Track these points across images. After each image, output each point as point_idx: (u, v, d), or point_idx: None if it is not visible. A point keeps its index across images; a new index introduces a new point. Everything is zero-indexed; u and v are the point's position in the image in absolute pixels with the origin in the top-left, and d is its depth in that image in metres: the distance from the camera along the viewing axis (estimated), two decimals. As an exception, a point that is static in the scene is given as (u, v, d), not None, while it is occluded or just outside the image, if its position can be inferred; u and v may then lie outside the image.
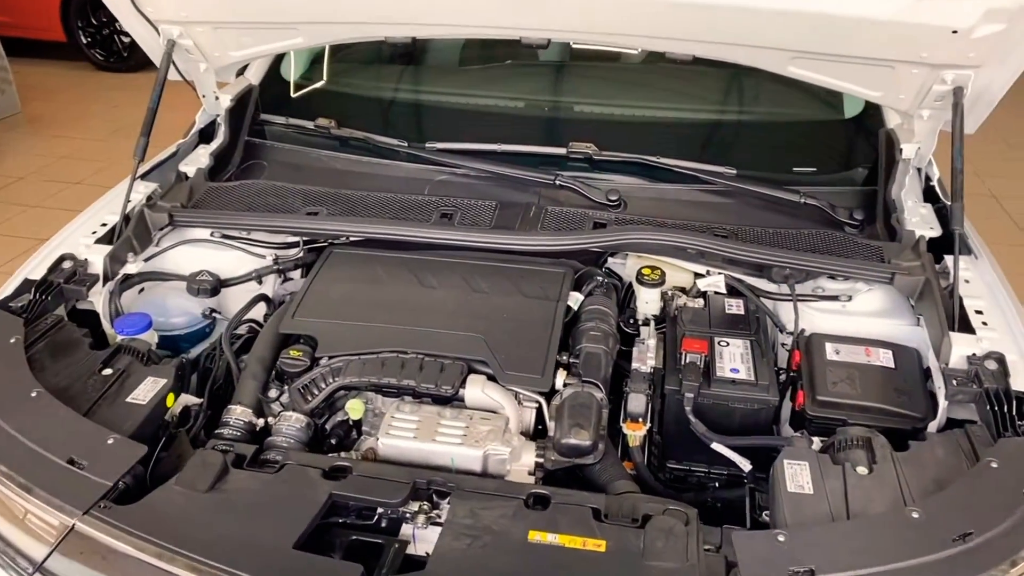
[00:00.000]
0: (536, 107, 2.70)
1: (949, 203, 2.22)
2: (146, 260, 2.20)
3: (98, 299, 2.05)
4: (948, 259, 2.04)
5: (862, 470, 1.54)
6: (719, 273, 2.16)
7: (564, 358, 1.88)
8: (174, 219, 2.23)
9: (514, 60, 2.87)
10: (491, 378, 1.84)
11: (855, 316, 2.01)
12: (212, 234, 2.28)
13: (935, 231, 2.15)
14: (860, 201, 2.35)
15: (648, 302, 2.11)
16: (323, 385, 1.85)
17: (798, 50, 1.96)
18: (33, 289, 1.95)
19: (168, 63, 2.30)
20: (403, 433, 1.72)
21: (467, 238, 2.06)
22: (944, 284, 1.95)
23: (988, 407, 1.63)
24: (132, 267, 2.14)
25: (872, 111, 2.49)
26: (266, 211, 2.26)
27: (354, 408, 1.85)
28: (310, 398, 1.85)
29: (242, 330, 2.17)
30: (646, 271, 2.10)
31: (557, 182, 2.30)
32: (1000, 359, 1.72)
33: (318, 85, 2.89)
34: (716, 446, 1.82)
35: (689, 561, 1.36)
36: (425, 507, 1.55)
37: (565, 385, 1.82)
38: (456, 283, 2.06)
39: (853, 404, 1.80)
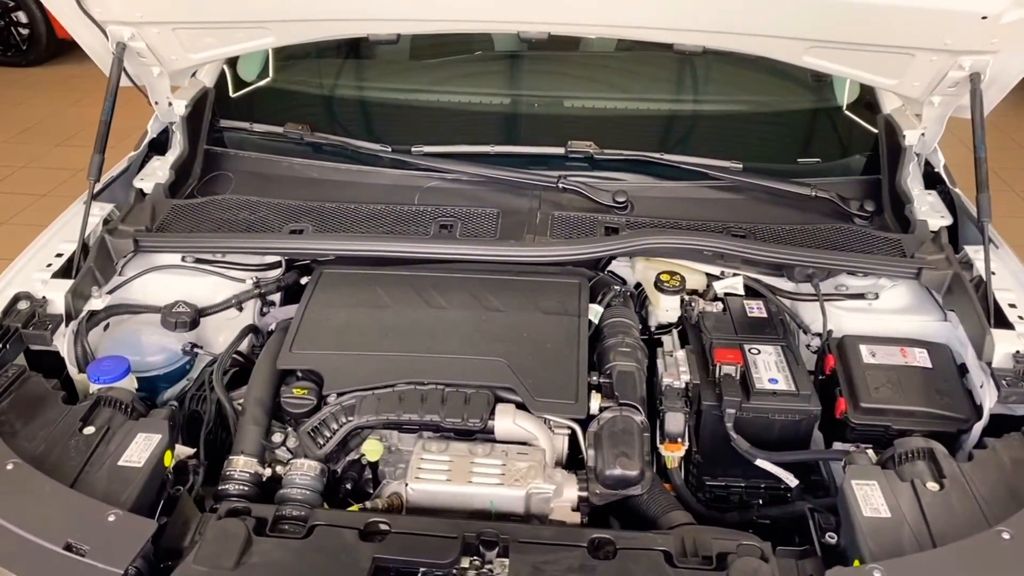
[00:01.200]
0: (522, 104, 2.54)
1: (954, 188, 2.19)
2: (110, 292, 1.97)
3: (62, 342, 1.81)
4: (967, 249, 2.00)
5: (933, 486, 1.47)
6: (735, 274, 2.07)
7: (595, 378, 1.76)
8: (140, 245, 2.00)
9: (482, 51, 2.69)
10: (520, 406, 1.70)
11: (882, 314, 1.95)
12: (183, 259, 2.05)
13: (947, 219, 2.10)
14: (863, 191, 2.29)
15: (668, 310, 1.99)
16: (335, 426, 1.68)
17: (816, 39, 1.86)
18: (-13, 338, 1.71)
19: (119, 69, 2.05)
20: (434, 476, 1.57)
21: (478, 252, 1.91)
22: (969, 276, 1.90)
23: (1045, 408, 1.59)
24: (97, 302, 1.91)
25: (868, 98, 2.43)
26: (242, 230, 2.05)
27: (372, 449, 1.68)
28: (322, 441, 1.67)
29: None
30: (665, 277, 1.99)
31: (560, 184, 2.16)
32: (1047, 356, 1.67)
33: (265, 84, 2.66)
34: (761, 463, 1.73)
35: (784, 607, 1.26)
36: (476, 563, 1.40)
37: (601, 409, 1.70)
38: (466, 301, 1.90)
39: (898, 410, 1.74)
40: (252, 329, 1.98)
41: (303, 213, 2.10)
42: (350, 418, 1.67)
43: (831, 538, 1.55)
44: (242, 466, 1.64)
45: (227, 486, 1.61)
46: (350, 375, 1.73)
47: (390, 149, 2.28)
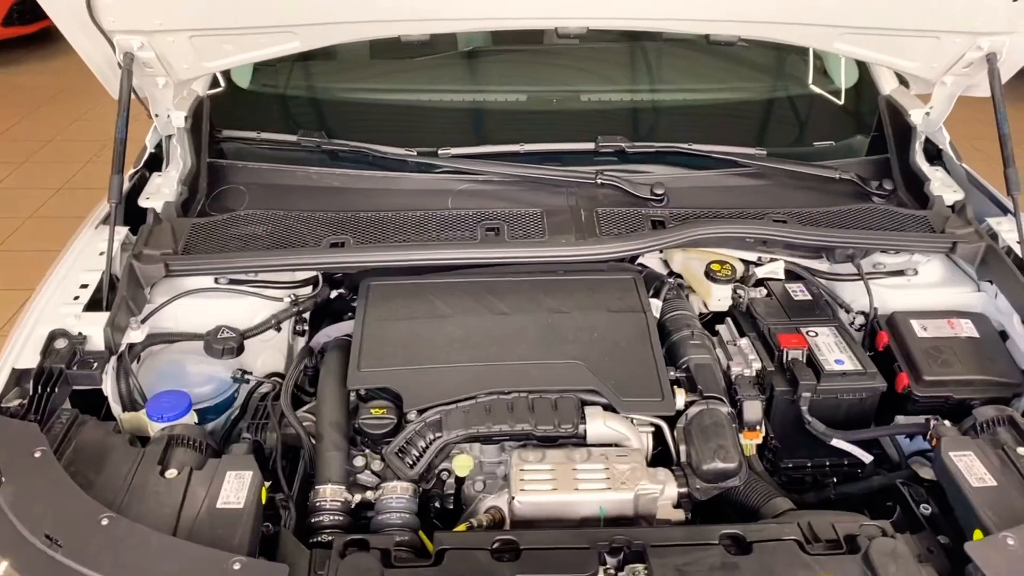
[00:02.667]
0: (540, 100, 2.50)
1: (961, 164, 2.29)
2: (142, 321, 1.83)
3: (104, 380, 1.68)
4: (989, 221, 2.09)
5: (1023, 451, 1.54)
6: (772, 259, 2.11)
7: (672, 373, 1.76)
8: (171, 269, 1.87)
9: (452, 50, 2.63)
10: (606, 407, 1.68)
11: (920, 289, 2.03)
12: (216, 280, 1.94)
13: (959, 194, 2.20)
14: (874, 171, 2.37)
15: (721, 299, 2.01)
16: (423, 444, 1.62)
17: (851, 26, 1.91)
18: (32, 382, 1.56)
19: (130, 81, 1.90)
20: (540, 487, 1.54)
21: (534, 254, 1.87)
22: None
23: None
24: (136, 334, 1.77)
25: (867, 79, 2.51)
26: (277, 246, 1.95)
27: (463, 465, 1.63)
28: (411, 461, 1.61)
29: (264, 387, 1.87)
30: (716, 267, 2.01)
31: (599, 180, 2.14)
32: (1091, 318, 1.78)
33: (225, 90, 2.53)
34: (837, 443, 1.78)
35: (932, 582, 1.30)
36: (611, 571, 1.38)
37: (687, 404, 1.70)
38: (526, 305, 1.87)
39: (957, 380, 1.81)
40: (310, 351, 1.89)
41: (338, 224, 2.01)
42: (438, 434, 1.62)
43: (925, 509, 1.61)
44: (331, 495, 1.56)
45: (320, 517, 1.53)
46: (428, 390, 1.67)
47: (415, 153, 2.20)
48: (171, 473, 1.46)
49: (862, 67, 2.52)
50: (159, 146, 2.27)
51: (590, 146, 2.23)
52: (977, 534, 1.40)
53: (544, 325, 1.82)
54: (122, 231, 1.95)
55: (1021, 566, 1.29)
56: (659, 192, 2.12)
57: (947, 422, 1.69)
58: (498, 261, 1.90)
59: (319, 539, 1.50)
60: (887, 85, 2.46)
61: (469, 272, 1.96)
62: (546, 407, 1.65)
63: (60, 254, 1.92)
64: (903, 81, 2.44)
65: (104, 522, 1.30)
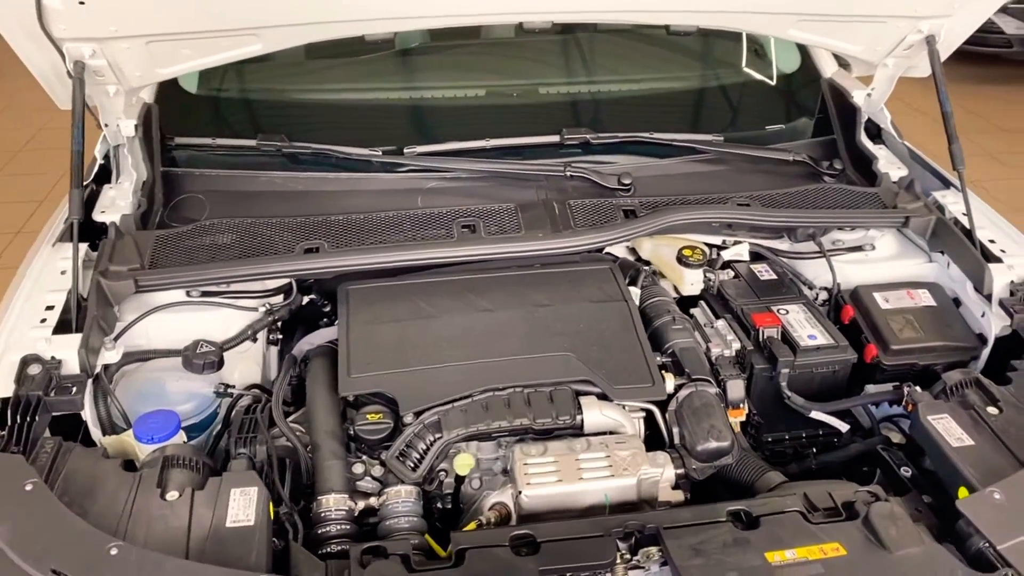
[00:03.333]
0: (498, 95, 2.50)
1: (902, 141, 2.41)
2: (115, 340, 1.76)
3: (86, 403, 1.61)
4: (934, 195, 2.21)
5: (992, 410, 1.64)
6: (736, 242, 2.18)
7: (659, 359, 1.80)
8: (141, 285, 1.80)
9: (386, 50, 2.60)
10: (600, 396, 1.71)
11: (878, 263, 2.13)
12: (188, 293, 1.88)
13: (903, 170, 2.31)
14: (822, 152, 2.46)
15: (693, 283, 2.06)
16: (423, 446, 1.62)
17: (806, 13, 1.98)
18: (10, 412, 1.49)
19: (83, 91, 1.81)
20: (545, 479, 1.55)
21: (515, 249, 1.88)
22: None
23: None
24: (111, 354, 1.71)
25: (809, 64, 2.60)
26: (248, 255, 1.90)
27: (464, 464, 1.63)
28: (412, 464, 1.60)
29: (243, 400, 1.83)
30: (687, 252, 2.06)
31: (568, 172, 2.16)
32: (1039, 282, 1.90)
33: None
34: (815, 414, 1.85)
35: (928, 541, 1.37)
36: (626, 556, 1.41)
37: (677, 388, 1.74)
38: (509, 300, 1.88)
39: (922, 347, 1.91)
40: (294, 359, 1.85)
41: (308, 229, 1.97)
42: (438, 435, 1.62)
43: (906, 472, 1.70)
44: (335, 504, 1.54)
45: (327, 528, 1.51)
46: (423, 392, 1.67)
47: (380, 152, 2.18)
48: (172, 495, 1.41)
49: (803, 52, 2.61)
50: (108, 157, 2.18)
51: (555, 139, 2.25)
52: (962, 492, 1.49)
53: (530, 319, 1.83)
54: (81, 247, 1.87)
55: (1008, 517, 1.38)
56: (627, 182, 2.16)
57: (918, 388, 1.78)
58: (480, 258, 1.90)
59: (328, 550, 1.48)
60: (828, 68, 2.56)
61: (446, 271, 1.95)
62: (543, 400, 1.66)
63: (18, 275, 1.83)
64: (842, 64, 2.55)
65: (113, 551, 1.26)
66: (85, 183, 2.08)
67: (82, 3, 1.64)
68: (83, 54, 1.80)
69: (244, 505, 1.40)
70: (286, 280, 1.96)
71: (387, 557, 1.36)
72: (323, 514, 1.53)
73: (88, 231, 1.96)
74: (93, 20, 1.70)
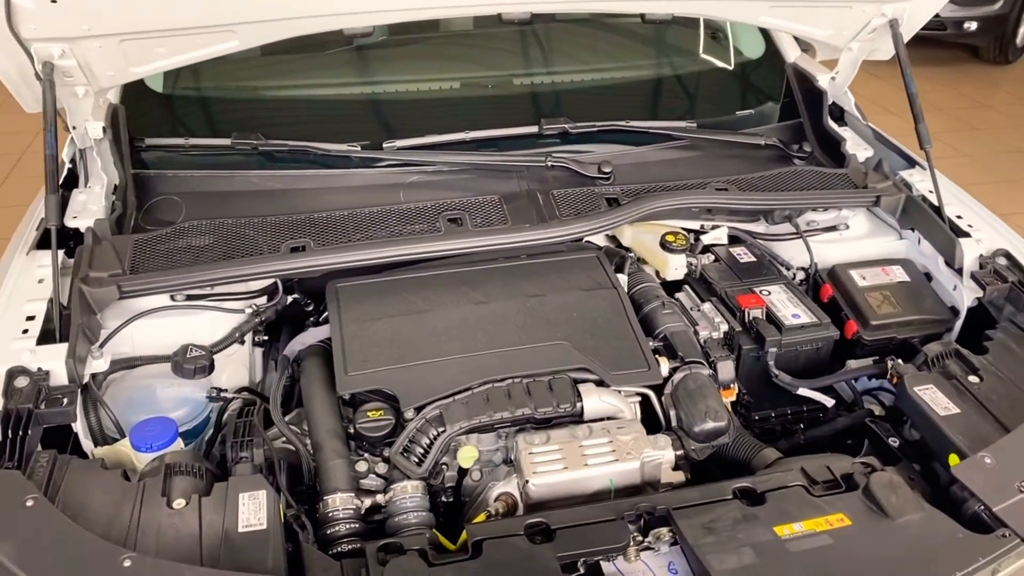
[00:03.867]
0: (472, 86, 2.49)
1: (866, 122, 2.48)
2: (100, 348, 1.72)
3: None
4: (903, 173, 2.28)
5: (973, 379, 1.71)
6: (715, 226, 2.22)
7: (652, 343, 1.82)
8: (124, 291, 1.75)
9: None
10: (597, 383, 1.73)
11: (852, 242, 2.19)
12: (173, 298, 1.84)
13: (869, 151, 2.38)
14: (790, 135, 2.52)
15: (677, 268, 2.09)
16: (427, 441, 1.61)
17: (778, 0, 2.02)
18: (0, 427, 1.44)
19: (53, 93, 1.76)
20: (551, 468, 1.57)
21: (504, 241, 1.88)
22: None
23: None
24: (99, 362, 1.66)
25: (773, 49, 2.66)
26: (232, 256, 1.86)
27: (468, 456, 1.64)
28: (416, 459, 1.60)
29: (235, 404, 1.80)
30: (670, 237, 2.08)
31: (549, 163, 2.17)
32: (1007, 254, 1.98)
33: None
34: (803, 391, 1.90)
35: (928, 507, 1.42)
36: (638, 538, 1.44)
37: (671, 371, 1.77)
38: (501, 292, 1.88)
39: (899, 321, 1.97)
40: (287, 361, 1.83)
41: (292, 228, 1.94)
42: (441, 429, 1.61)
43: (894, 441, 1.76)
44: (342, 503, 1.53)
45: (336, 528, 1.50)
46: (423, 387, 1.66)
47: (359, 148, 2.15)
48: (179, 503, 1.38)
49: (767, 38, 2.66)
50: (75, 160, 2.11)
51: (534, 129, 2.26)
52: (953, 458, 1.55)
53: (523, 310, 1.84)
54: (44, 255, 1.81)
55: (1000, 480, 1.44)
56: (607, 170, 2.18)
57: (900, 361, 1.84)
58: (469, 251, 1.90)
59: (339, 549, 1.47)
60: (791, 54, 2.61)
61: (433, 265, 1.95)
62: (542, 389, 1.67)
63: (-8, 285, 1.77)
64: (804, 49, 2.61)
65: (127, 563, 1.23)
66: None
67: (54, 1, 1.59)
68: (52, 55, 1.74)
69: (254, 509, 1.38)
70: (271, 280, 1.93)
71: (404, 553, 1.36)
72: (330, 514, 1.52)
73: (59, 237, 1.90)
74: (65, 19, 1.64)
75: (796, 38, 2.58)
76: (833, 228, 2.20)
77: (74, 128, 2.01)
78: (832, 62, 2.48)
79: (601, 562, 1.40)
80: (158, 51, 1.80)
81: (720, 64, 2.68)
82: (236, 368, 1.91)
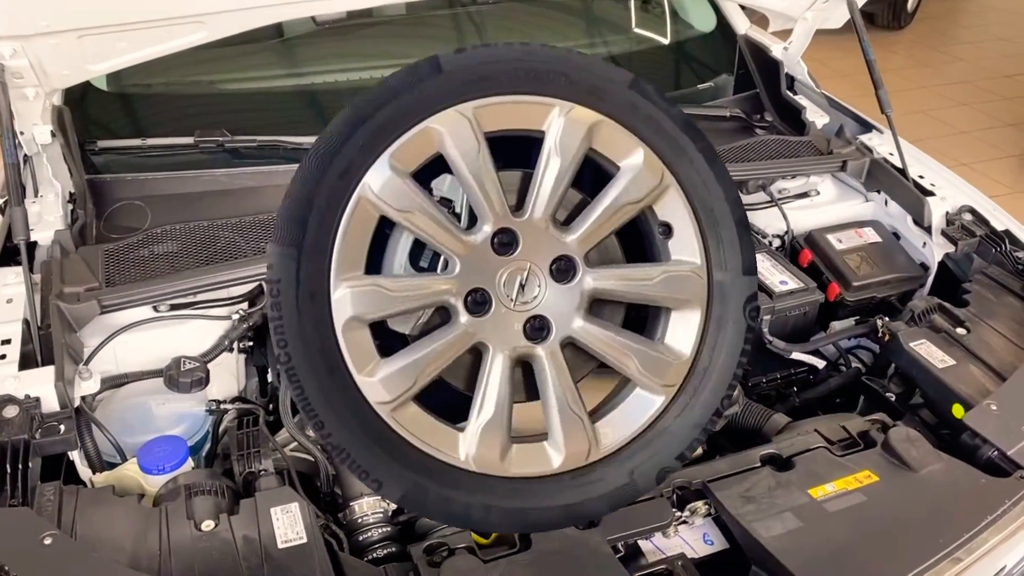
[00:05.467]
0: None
1: (820, 90, 2.55)
2: (86, 366, 1.60)
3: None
4: (862, 137, 2.35)
5: (961, 331, 1.79)
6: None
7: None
8: (105, 306, 1.64)
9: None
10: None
11: (823, 207, 2.25)
12: (156, 309, 1.73)
13: (825, 118, 2.45)
14: (748, 106, 2.56)
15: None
16: (447, 436, 1.57)
17: (742, -28, 2.04)
18: (-6, 461, 1.33)
19: (7, 96, 1.62)
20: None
21: None
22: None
23: (992, 249, 1.97)
24: (89, 383, 1.55)
25: (723, 22, 2.69)
26: (215, 260, 1.77)
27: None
28: (439, 456, 1.56)
29: (230, 416, 1.72)
30: (653, 213, 2.09)
31: None
32: (971, 210, 2.07)
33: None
34: (796, 355, 1.95)
35: (947, 457, 1.48)
36: (676, 513, 1.44)
37: (675, 347, 1.78)
38: None
39: (877, 281, 2.04)
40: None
41: (271, 227, 1.85)
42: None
43: (891, 396, 1.82)
44: (370, 508, 1.49)
45: (368, 534, 1.46)
46: None
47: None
48: (207, 525, 1.31)
49: (717, 11, 2.69)
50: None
51: None
52: (957, 408, 1.61)
53: None
54: (20, 271, 1.68)
55: (1009, 424, 1.51)
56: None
57: (887, 319, 1.91)
58: None
59: (374, 555, 1.42)
60: (742, 26, 2.66)
61: None
62: None
63: (-46, 310, 1.62)
64: (754, 21, 2.65)
65: (171, 593, 1.16)
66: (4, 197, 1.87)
67: (8, -4, 1.46)
68: (3, 54, 1.61)
69: (290, 523, 1.32)
70: (256, 284, 1.84)
71: (453, 553, 1.32)
72: (359, 520, 1.47)
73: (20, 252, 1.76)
74: (21, 17, 1.51)
75: (743, 8, 2.62)
76: (804, 195, 2.25)
77: (22, 133, 1.85)
78: (782, 33, 2.54)
79: (638, 541, 1.41)
80: (119, 46, 1.68)
81: (657, 37, 2.70)
82: (225, 378, 1.81)
